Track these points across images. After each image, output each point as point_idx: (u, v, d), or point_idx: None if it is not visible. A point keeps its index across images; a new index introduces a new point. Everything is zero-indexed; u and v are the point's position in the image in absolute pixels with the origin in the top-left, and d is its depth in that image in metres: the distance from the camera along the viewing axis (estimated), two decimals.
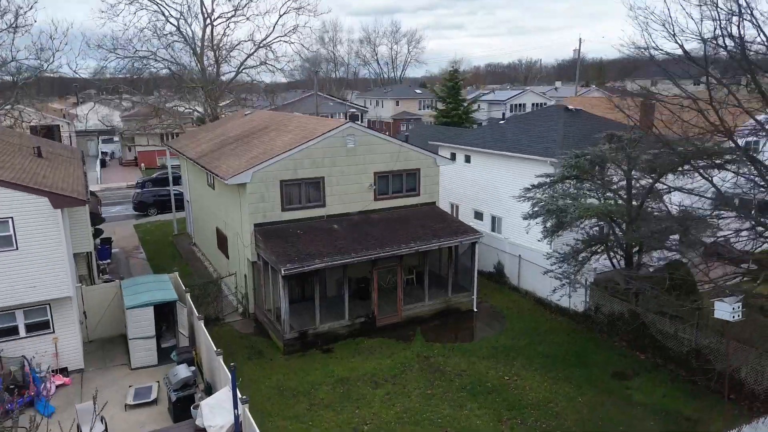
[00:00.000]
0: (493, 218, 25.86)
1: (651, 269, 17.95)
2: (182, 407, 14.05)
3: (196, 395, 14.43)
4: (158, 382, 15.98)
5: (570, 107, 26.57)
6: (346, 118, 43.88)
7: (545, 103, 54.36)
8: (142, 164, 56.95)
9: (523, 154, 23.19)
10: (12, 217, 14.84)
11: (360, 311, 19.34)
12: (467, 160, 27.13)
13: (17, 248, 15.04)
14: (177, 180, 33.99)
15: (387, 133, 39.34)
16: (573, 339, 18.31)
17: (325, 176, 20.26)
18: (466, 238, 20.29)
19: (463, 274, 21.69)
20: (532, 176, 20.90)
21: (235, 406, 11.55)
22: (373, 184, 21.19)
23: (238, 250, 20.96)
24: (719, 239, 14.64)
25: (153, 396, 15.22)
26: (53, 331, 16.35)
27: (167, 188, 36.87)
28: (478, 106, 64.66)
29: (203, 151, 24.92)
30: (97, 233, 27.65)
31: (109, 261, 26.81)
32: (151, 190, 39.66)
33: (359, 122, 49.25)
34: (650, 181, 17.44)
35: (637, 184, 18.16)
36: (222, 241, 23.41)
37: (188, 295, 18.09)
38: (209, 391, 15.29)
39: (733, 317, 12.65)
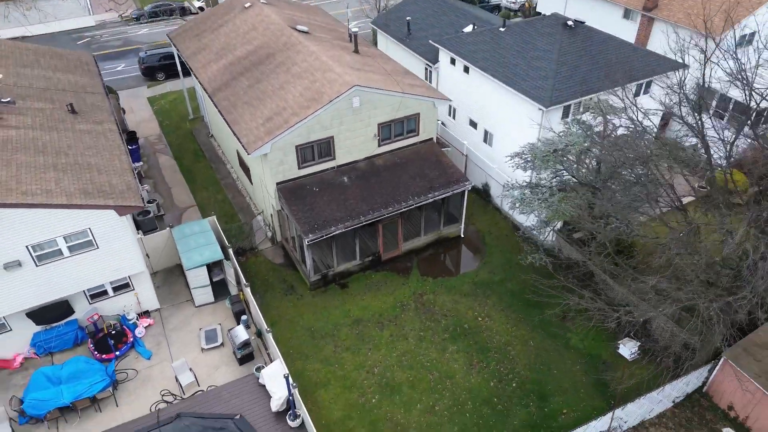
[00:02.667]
0: (486, 132, 28.45)
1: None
2: (243, 361, 19.77)
3: (250, 344, 19.95)
4: (221, 324, 21.45)
5: (569, 22, 26.86)
6: None
7: None
8: None
9: (516, 91, 24.91)
10: (90, 228, 18.49)
11: (368, 250, 23.91)
12: (466, 70, 28.40)
13: (98, 247, 19.02)
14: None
15: None
16: (538, 271, 23.03)
17: (334, 135, 22.76)
18: (457, 188, 23.73)
19: (455, 202, 25.54)
20: (523, 114, 23.21)
21: (289, 392, 17.05)
22: (378, 134, 23.71)
23: (263, 194, 24.55)
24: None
25: (220, 340, 20.81)
26: (133, 289, 21.24)
27: (171, 51, 36.94)
28: None
29: (215, 77, 26.34)
30: (130, 138, 30.53)
31: (141, 163, 30.18)
32: (156, 54, 40.09)
33: None
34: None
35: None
36: (244, 166, 26.61)
37: (231, 253, 22.47)
38: (259, 334, 20.86)
39: (630, 357, 17.41)
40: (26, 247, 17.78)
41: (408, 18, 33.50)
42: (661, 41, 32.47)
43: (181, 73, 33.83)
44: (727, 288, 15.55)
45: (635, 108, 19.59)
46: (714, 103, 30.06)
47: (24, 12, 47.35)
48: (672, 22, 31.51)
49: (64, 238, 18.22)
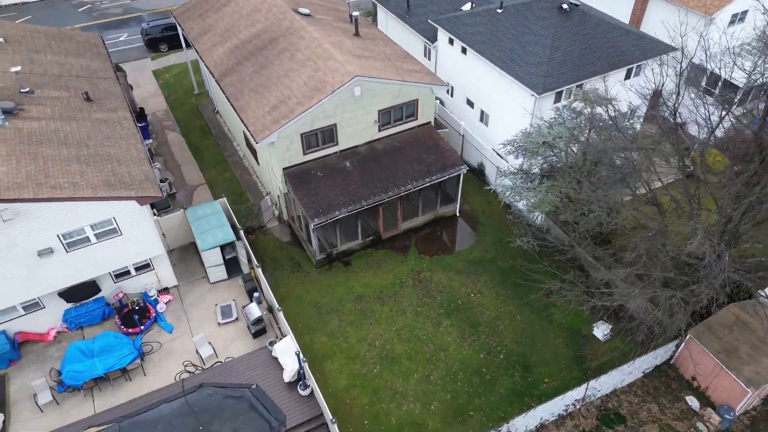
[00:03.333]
0: (482, 112, 29.60)
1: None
2: (256, 335, 21.79)
3: (262, 320, 21.93)
4: (235, 300, 23.38)
5: (564, 5, 27.59)
6: None
7: None
8: None
9: (510, 76, 25.98)
10: (114, 217, 20.12)
11: (369, 230, 25.61)
12: (463, 51, 29.29)
13: (122, 234, 20.70)
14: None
15: None
16: (526, 254, 24.87)
17: (337, 123, 24.05)
18: (453, 172, 25.19)
19: (452, 184, 27.04)
20: (517, 97, 24.48)
21: (300, 365, 19.09)
22: (378, 120, 24.99)
23: (270, 176, 26.02)
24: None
25: (234, 315, 22.79)
26: (153, 268, 23.06)
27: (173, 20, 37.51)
28: None
29: (221, 61, 27.30)
30: (139, 115, 31.71)
31: (151, 141, 31.49)
32: (158, 25, 40.54)
33: None
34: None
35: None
36: (251, 148, 27.95)
37: (242, 233, 24.17)
38: (270, 310, 22.82)
39: (603, 338, 19.29)
40: (57, 235, 19.45)
41: None
42: (658, 14, 33.15)
43: (184, 45, 34.50)
44: (688, 282, 17.32)
45: (615, 101, 20.84)
46: (704, 81, 31.07)
47: None
48: None
49: (91, 226, 19.87)
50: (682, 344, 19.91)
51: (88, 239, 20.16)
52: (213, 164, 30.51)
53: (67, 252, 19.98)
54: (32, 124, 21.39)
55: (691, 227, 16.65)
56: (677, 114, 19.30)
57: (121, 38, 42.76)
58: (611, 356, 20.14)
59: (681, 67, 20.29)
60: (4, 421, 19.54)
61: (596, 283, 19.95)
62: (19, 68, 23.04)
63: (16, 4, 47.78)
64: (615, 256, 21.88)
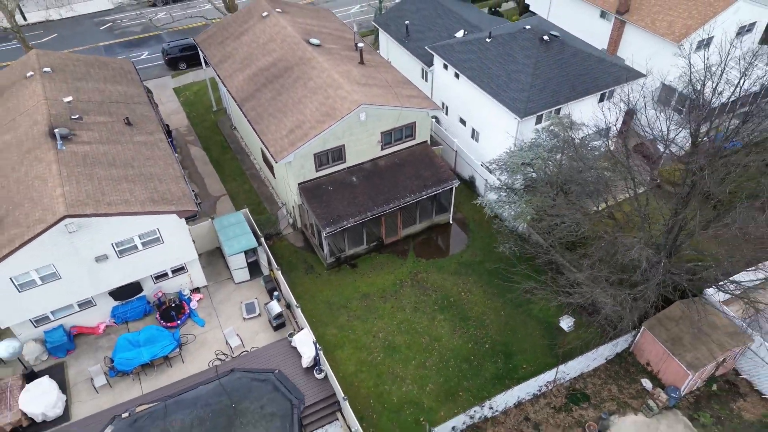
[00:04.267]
0: (473, 130, 33.26)
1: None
2: (277, 328, 25.43)
3: (282, 315, 25.57)
4: (257, 298, 27.02)
5: (545, 37, 31.14)
6: None
7: None
8: None
9: (496, 100, 29.60)
10: (158, 228, 23.77)
11: (373, 236, 29.25)
12: (456, 75, 32.92)
13: (163, 242, 24.35)
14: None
15: None
16: (508, 258, 28.41)
17: (345, 143, 27.67)
18: (446, 185, 28.82)
19: (445, 195, 30.64)
20: (503, 119, 28.15)
21: (316, 354, 22.75)
22: (380, 140, 28.61)
23: (286, 189, 29.65)
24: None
25: (257, 311, 26.43)
26: (187, 271, 26.71)
27: (192, 41, 41.54)
28: None
29: (241, 88, 30.90)
30: (167, 132, 35.25)
31: (177, 155, 35.04)
32: (176, 45, 44.09)
33: None
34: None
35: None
36: (268, 163, 31.57)
37: (263, 240, 27.83)
38: (288, 306, 26.46)
39: (567, 329, 22.96)
40: (111, 244, 23.10)
41: (407, 22, 37.53)
42: (633, 41, 36.72)
43: (204, 65, 38.06)
44: (636, 282, 20.96)
45: (585, 126, 24.46)
46: (673, 102, 34.64)
47: None
48: (640, 26, 35.63)
49: (139, 236, 23.52)
50: (638, 334, 23.57)
51: (136, 247, 23.81)
52: (233, 177, 34.14)
53: (118, 258, 23.63)
54: (85, 148, 25.00)
55: (634, 239, 20.27)
56: (649, 130, 22.70)
57: (142, 56, 46.33)
58: (577, 344, 23.79)
59: (644, 94, 23.72)
60: (66, 401, 23.22)
61: (563, 283, 23.58)
62: (71, 98, 26.69)
63: (42, 22, 51.34)
64: (581, 260, 25.51)
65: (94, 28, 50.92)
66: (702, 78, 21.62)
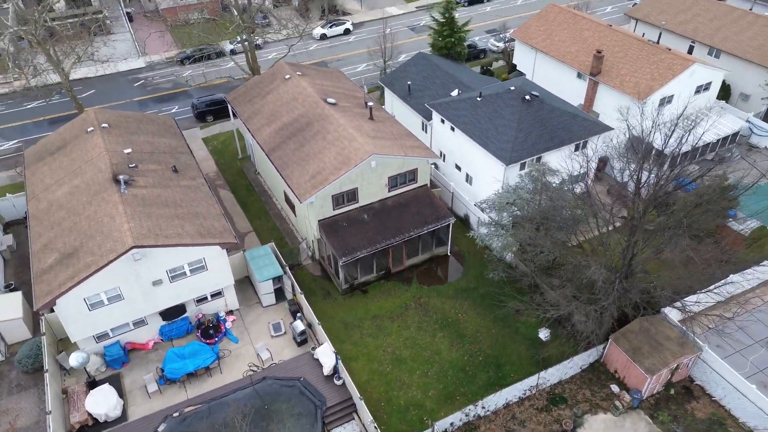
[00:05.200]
0: (467, 174, 38.40)
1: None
2: (300, 344, 29.83)
3: (305, 333, 29.97)
4: (282, 319, 31.48)
5: (527, 97, 36.62)
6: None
7: None
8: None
9: (486, 150, 34.81)
10: (204, 257, 28.53)
11: (381, 265, 33.95)
12: (452, 129, 38.27)
13: (207, 269, 29.06)
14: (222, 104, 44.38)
15: None
16: (498, 283, 32.93)
17: (358, 186, 32.71)
18: (444, 222, 33.72)
19: (444, 231, 35.44)
20: (492, 166, 33.24)
21: (336, 361, 27.12)
22: (387, 184, 33.66)
23: (306, 225, 34.55)
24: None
25: (283, 330, 30.86)
26: (223, 295, 31.30)
27: (218, 96, 48.06)
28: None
29: (269, 140, 36.18)
30: None
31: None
32: (204, 101, 49.84)
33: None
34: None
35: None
36: (290, 203, 36.55)
37: (287, 268, 32.52)
38: (309, 326, 30.91)
39: (545, 339, 27.62)
40: (166, 270, 27.79)
41: (409, 82, 43.25)
42: (605, 98, 42.28)
43: (232, 118, 43.55)
44: (599, 299, 25.62)
45: (559, 173, 29.53)
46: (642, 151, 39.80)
47: (90, 56, 56.48)
48: (610, 86, 41.27)
49: (188, 264, 28.24)
50: (607, 346, 27.98)
51: (185, 273, 28.49)
52: (257, 216, 39.06)
53: (170, 282, 28.28)
54: (142, 191, 29.99)
55: (593, 264, 25.03)
56: (619, 175, 27.66)
57: (173, 110, 52.01)
58: (554, 353, 28.18)
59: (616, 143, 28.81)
60: (123, 404, 27.43)
61: (539, 301, 28.20)
62: (129, 150, 31.87)
63: (81, 79, 57.28)
64: (555, 281, 30.12)
65: (128, 85, 56.87)
66: (649, 131, 26.71)
